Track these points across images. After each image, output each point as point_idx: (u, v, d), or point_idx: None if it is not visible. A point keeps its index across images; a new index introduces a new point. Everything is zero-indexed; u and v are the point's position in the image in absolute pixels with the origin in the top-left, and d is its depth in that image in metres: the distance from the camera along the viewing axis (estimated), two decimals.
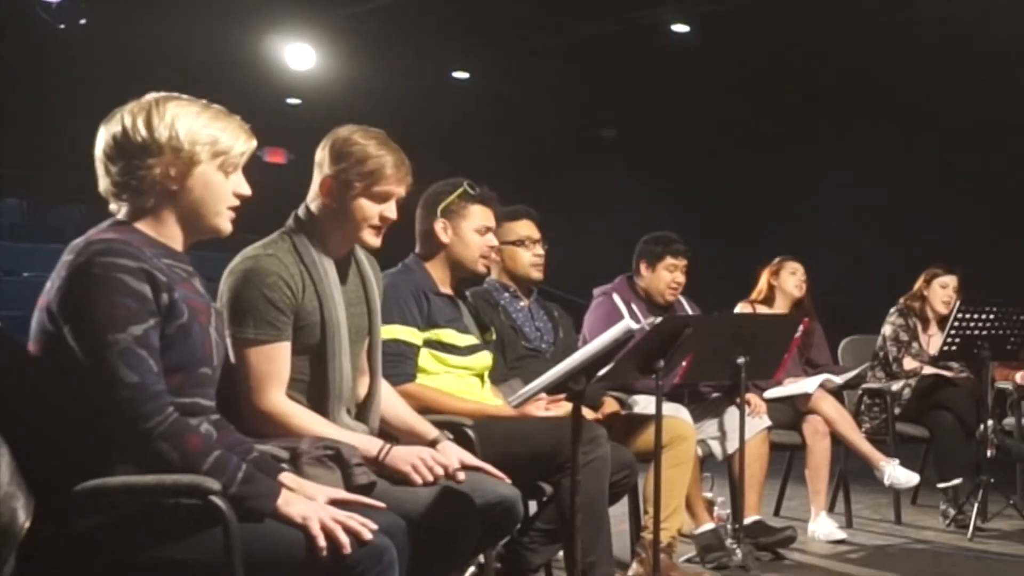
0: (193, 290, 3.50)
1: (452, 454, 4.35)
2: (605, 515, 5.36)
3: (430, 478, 4.03)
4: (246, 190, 3.63)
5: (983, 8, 12.49)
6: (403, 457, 4.05)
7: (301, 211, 4.39)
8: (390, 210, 4.33)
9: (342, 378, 4.28)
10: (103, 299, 3.25)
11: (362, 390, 4.52)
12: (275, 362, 4.10)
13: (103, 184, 3.52)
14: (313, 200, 4.38)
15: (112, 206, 3.53)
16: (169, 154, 3.44)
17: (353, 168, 4.29)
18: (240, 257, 4.23)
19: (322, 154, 4.38)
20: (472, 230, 5.50)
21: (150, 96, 3.52)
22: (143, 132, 3.44)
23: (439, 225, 5.49)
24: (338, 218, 4.34)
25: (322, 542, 3.27)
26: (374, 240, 4.40)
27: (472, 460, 4.40)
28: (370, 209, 4.32)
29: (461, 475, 4.27)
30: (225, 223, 3.60)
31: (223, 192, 3.55)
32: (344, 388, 4.29)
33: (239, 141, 3.57)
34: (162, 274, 3.34)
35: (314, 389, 4.26)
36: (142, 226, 3.48)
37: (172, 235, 3.53)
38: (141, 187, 3.46)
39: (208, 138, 3.48)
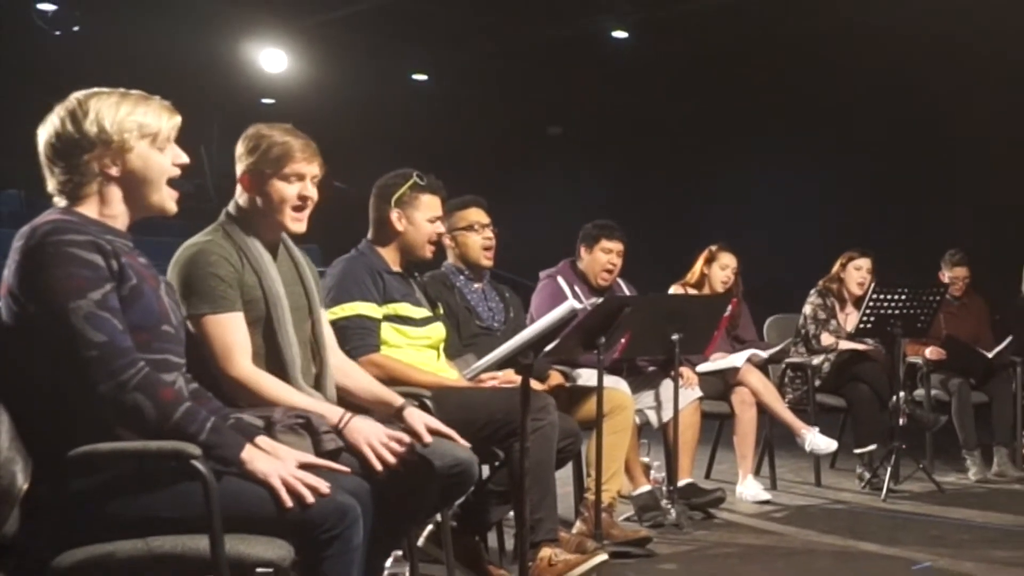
0: (136, 261, 3.48)
1: (418, 419, 4.35)
2: (552, 478, 5.38)
3: (391, 459, 4.02)
4: (184, 159, 3.61)
5: (895, 17, 12.58)
6: (361, 433, 4.03)
7: (231, 207, 4.37)
8: (307, 189, 4.29)
9: (291, 348, 4.29)
10: (59, 272, 3.25)
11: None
12: (235, 331, 4.09)
13: (50, 184, 3.51)
14: (240, 195, 4.38)
15: (56, 199, 3.52)
16: (100, 147, 3.43)
17: (262, 157, 4.29)
18: (182, 248, 4.22)
19: (238, 152, 4.38)
20: (424, 219, 5.52)
21: (73, 96, 3.51)
22: (72, 131, 3.44)
23: (394, 215, 5.50)
24: (261, 206, 4.34)
25: (285, 495, 3.28)
26: (298, 224, 4.37)
27: (437, 425, 4.42)
28: (286, 191, 4.29)
29: (428, 438, 4.28)
30: (169, 202, 3.58)
31: (162, 166, 3.53)
32: (296, 358, 4.30)
33: (163, 119, 3.54)
34: (108, 244, 3.34)
35: (272, 359, 4.24)
36: (83, 209, 3.46)
37: (116, 214, 3.51)
38: (83, 180, 3.46)
39: (133, 124, 3.46)
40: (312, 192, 4.26)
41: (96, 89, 3.55)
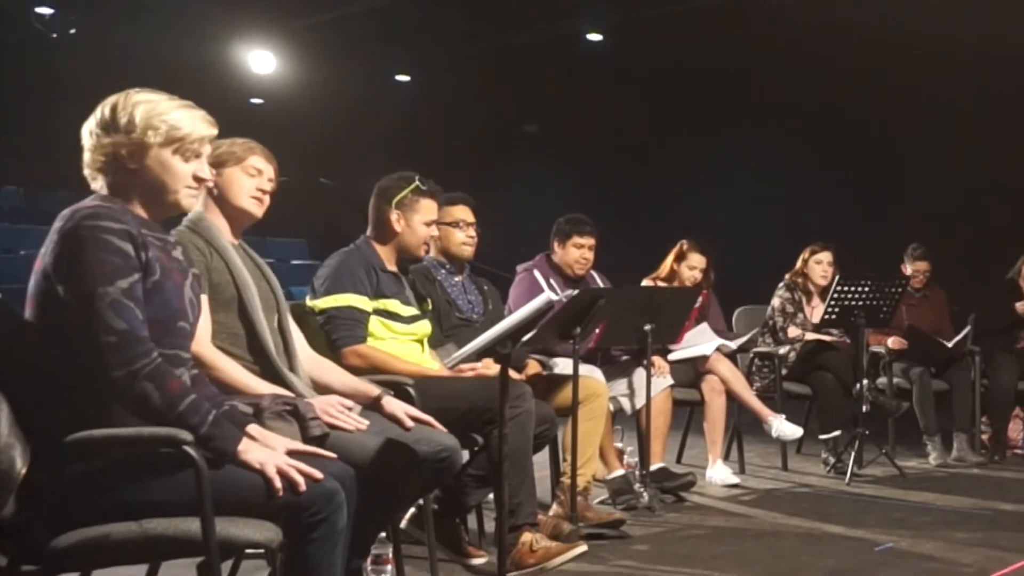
0: (167, 255, 3.52)
1: (397, 407, 4.45)
2: (529, 463, 5.39)
3: (349, 425, 4.07)
4: (205, 174, 3.64)
5: (854, 23, 12.66)
6: (318, 406, 4.09)
7: (192, 214, 4.42)
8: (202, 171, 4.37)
9: (266, 330, 4.33)
10: (92, 257, 3.27)
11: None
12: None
13: (85, 159, 3.55)
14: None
15: (92, 184, 3.56)
16: (123, 134, 3.47)
17: (222, 156, 4.35)
18: None
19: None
20: (422, 222, 5.56)
21: (127, 90, 3.56)
22: (108, 115, 3.49)
23: (394, 216, 5.54)
24: (219, 201, 4.46)
25: (278, 483, 3.30)
26: (258, 208, 4.53)
27: (416, 412, 4.47)
28: (244, 180, 4.47)
29: (409, 423, 4.41)
30: (185, 200, 3.62)
31: (179, 174, 3.54)
32: (273, 340, 4.34)
33: (197, 129, 3.56)
34: (139, 236, 3.37)
35: (251, 340, 4.30)
36: (119, 200, 3.50)
37: (138, 207, 3.55)
38: (105, 162, 3.50)
39: (162, 124, 3.49)
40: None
41: (148, 89, 3.59)
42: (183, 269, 3.62)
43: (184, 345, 3.56)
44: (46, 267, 3.34)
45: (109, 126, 3.49)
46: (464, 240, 6.32)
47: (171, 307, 3.46)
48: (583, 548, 5.28)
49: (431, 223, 5.60)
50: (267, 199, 4.54)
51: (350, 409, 4.18)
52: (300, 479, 3.32)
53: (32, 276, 3.38)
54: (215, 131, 3.66)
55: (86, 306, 3.26)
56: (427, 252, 5.88)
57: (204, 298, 4.09)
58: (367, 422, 4.17)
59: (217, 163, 4.36)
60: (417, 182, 5.58)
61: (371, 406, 4.54)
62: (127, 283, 3.30)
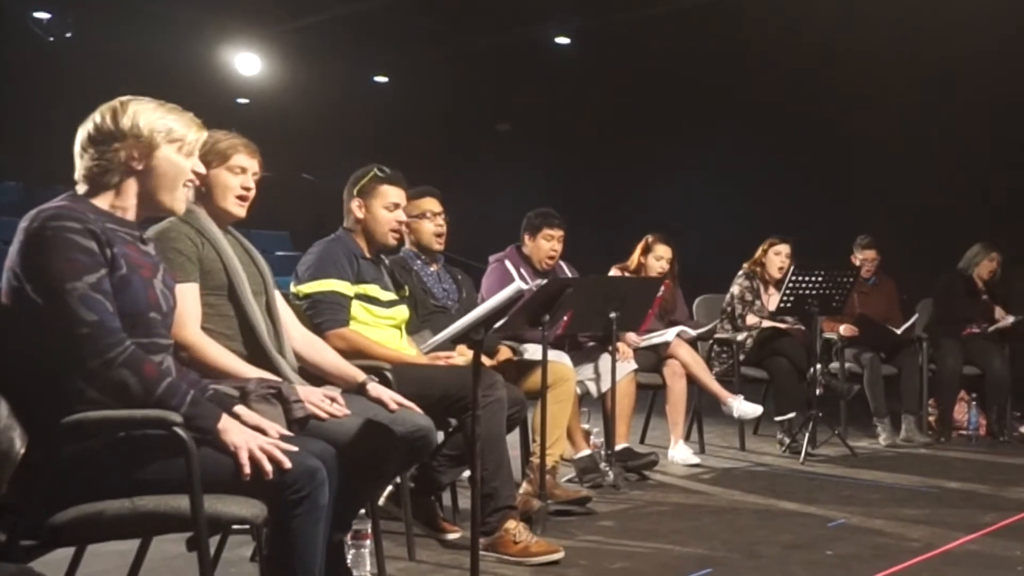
0: (136, 250, 3.52)
1: (382, 391, 4.50)
2: (504, 449, 5.38)
3: (323, 414, 4.09)
4: (201, 169, 3.74)
5: (815, 25, 12.70)
6: (302, 394, 4.10)
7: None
8: (248, 182, 4.43)
9: (256, 313, 4.34)
10: (57, 255, 3.27)
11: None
12: (190, 301, 4.13)
13: (78, 171, 3.56)
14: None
15: (79, 187, 3.57)
16: (131, 139, 3.51)
17: (208, 156, 4.37)
18: (148, 231, 4.27)
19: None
20: (381, 207, 5.54)
21: (117, 99, 3.59)
22: (110, 124, 3.51)
23: (355, 203, 5.55)
24: (204, 200, 4.46)
25: (247, 469, 3.31)
26: (240, 210, 4.52)
27: (397, 397, 4.51)
28: (229, 180, 4.47)
29: (393, 406, 4.45)
30: (179, 203, 3.67)
31: (181, 169, 3.61)
32: (262, 323, 4.35)
33: (191, 130, 3.65)
34: (103, 233, 3.37)
35: (241, 323, 4.31)
36: (96, 200, 3.53)
37: (127, 206, 3.57)
38: (109, 167, 3.52)
39: (164, 127, 3.57)
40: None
41: (138, 96, 3.63)
42: (154, 262, 3.63)
43: (160, 333, 3.55)
44: (13, 266, 3.34)
45: (113, 133, 3.51)
46: (434, 230, 6.33)
47: (141, 299, 3.46)
48: (560, 555, 5.28)
49: (393, 208, 5.58)
50: (252, 195, 4.55)
51: (333, 400, 4.19)
52: (269, 468, 3.33)
53: (3, 273, 3.39)
54: (205, 133, 3.75)
55: (57, 302, 3.26)
56: (399, 241, 5.87)
57: (185, 287, 4.09)
58: (348, 412, 4.18)
59: (203, 162, 4.38)
60: (376, 170, 5.59)
61: (356, 390, 4.57)
62: (95, 278, 3.30)
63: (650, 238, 8.62)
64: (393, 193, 5.58)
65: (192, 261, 4.24)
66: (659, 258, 8.52)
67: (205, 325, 4.21)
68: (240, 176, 4.48)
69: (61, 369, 3.31)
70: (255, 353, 4.30)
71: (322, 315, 5.24)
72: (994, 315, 9.85)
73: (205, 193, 4.45)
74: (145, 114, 3.55)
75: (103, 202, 3.53)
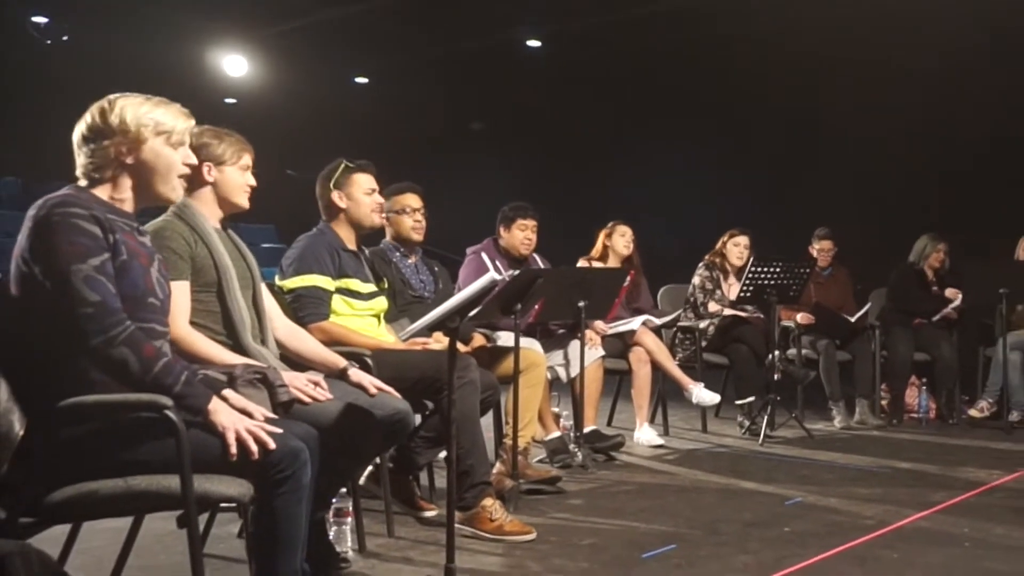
0: (134, 240, 3.53)
1: (363, 376, 4.54)
2: (478, 428, 5.40)
3: (307, 398, 4.12)
4: (193, 160, 3.74)
5: (777, 28, 12.75)
6: (287, 379, 4.12)
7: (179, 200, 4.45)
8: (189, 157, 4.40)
9: (240, 309, 4.34)
10: (63, 239, 3.29)
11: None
12: (181, 297, 4.13)
13: (78, 166, 3.58)
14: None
15: (80, 181, 3.59)
16: (120, 135, 3.53)
17: (202, 152, 4.36)
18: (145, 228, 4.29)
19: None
20: (361, 193, 5.58)
21: (107, 97, 3.60)
22: (99, 122, 3.54)
23: (335, 195, 5.57)
24: (217, 196, 4.49)
25: (234, 449, 3.34)
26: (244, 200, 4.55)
27: (377, 383, 4.54)
28: (241, 177, 4.51)
29: (373, 390, 4.51)
30: (174, 193, 3.69)
31: (171, 161, 3.62)
32: (245, 318, 4.36)
33: (179, 121, 3.66)
34: (105, 220, 3.39)
35: (225, 318, 4.31)
36: (96, 191, 3.55)
37: (124, 198, 3.58)
38: (103, 163, 3.54)
39: (150, 120, 3.58)
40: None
41: (127, 93, 3.65)
42: (150, 252, 3.63)
43: (158, 320, 3.57)
44: (22, 253, 3.35)
45: (103, 130, 3.53)
46: (412, 224, 6.35)
47: (140, 284, 3.47)
48: (533, 535, 5.30)
49: (371, 192, 5.61)
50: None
51: (316, 384, 4.22)
52: (255, 448, 3.35)
53: (12, 261, 3.39)
54: (192, 121, 3.76)
55: (62, 283, 3.27)
56: (383, 222, 5.89)
57: (176, 284, 4.08)
58: (331, 396, 4.21)
59: (217, 161, 4.43)
60: (345, 162, 5.64)
61: (337, 376, 4.60)
62: (98, 260, 3.32)
63: (611, 224, 8.69)
64: (367, 180, 5.63)
65: (184, 260, 4.24)
66: (623, 234, 8.59)
67: (193, 320, 4.22)
68: (247, 173, 4.52)
69: (64, 351, 3.32)
70: (236, 346, 4.31)
71: (304, 309, 5.26)
72: (946, 301, 9.87)
73: (219, 193, 4.46)
74: (132, 109, 3.57)
75: (102, 194, 3.55)
